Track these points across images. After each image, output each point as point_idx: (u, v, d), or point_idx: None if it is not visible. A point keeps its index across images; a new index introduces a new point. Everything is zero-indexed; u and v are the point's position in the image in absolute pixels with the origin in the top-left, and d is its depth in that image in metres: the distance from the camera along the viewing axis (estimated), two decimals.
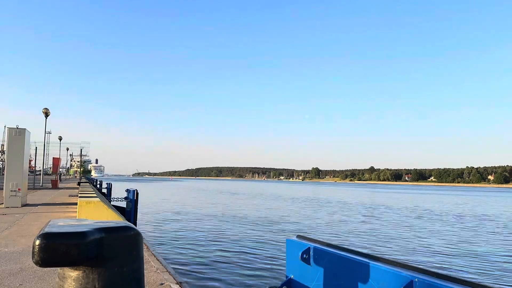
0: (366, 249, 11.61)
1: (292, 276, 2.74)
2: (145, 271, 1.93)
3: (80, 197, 7.28)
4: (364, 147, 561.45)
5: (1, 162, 79.27)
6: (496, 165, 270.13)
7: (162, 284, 4.34)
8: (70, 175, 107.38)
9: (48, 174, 64.63)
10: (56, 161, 42.91)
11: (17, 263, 5.10)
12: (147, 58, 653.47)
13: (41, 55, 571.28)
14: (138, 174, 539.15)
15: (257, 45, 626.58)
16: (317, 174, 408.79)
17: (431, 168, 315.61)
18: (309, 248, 2.56)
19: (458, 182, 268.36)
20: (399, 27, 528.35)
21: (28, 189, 17.51)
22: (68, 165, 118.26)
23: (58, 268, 1.16)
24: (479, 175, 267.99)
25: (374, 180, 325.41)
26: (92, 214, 5.91)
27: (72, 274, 1.13)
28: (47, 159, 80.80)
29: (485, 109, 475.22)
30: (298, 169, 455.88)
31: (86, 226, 1.15)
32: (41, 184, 30.51)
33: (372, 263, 2.07)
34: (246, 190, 64.81)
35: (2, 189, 12.94)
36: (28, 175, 16.54)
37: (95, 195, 8.38)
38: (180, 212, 22.27)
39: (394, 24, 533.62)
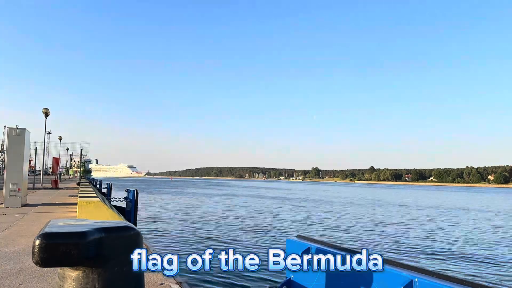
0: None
1: (292, 276, 2.74)
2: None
3: (80, 197, 7.27)
4: (364, 147, 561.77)
5: (1, 162, 79.25)
6: (496, 165, 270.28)
7: (162, 284, 4.34)
8: (70, 175, 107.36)
9: (48, 174, 64.61)
10: (56, 161, 42.89)
11: (17, 263, 5.10)
12: (146, 58, 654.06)
13: (41, 55, 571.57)
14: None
15: (257, 45, 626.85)
16: (317, 174, 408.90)
17: (431, 168, 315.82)
18: (309, 248, 2.56)
19: (458, 182, 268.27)
20: (400, 28, 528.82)
21: (28, 189, 17.50)
22: (68, 165, 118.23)
23: (58, 268, 1.16)
24: (479, 175, 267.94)
25: (374, 180, 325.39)
26: (92, 214, 5.90)
27: (72, 274, 1.13)
28: (47, 159, 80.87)
29: (485, 109, 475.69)
30: (298, 169, 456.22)
31: (86, 226, 1.15)
32: (41, 184, 30.50)
33: None
34: None
35: (2, 189, 12.93)
36: (28, 175, 16.53)
37: (95, 195, 8.37)
38: (181, 212, 22.27)
39: (395, 25, 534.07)
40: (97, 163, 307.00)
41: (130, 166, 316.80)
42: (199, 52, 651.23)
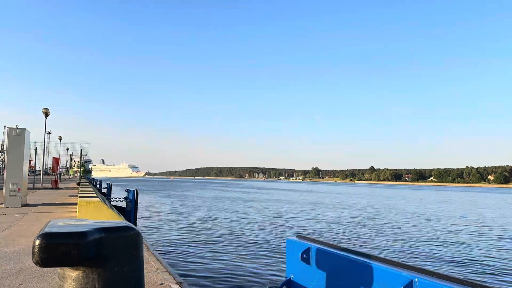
0: None
1: (292, 276, 2.74)
2: (145, 271, 1.92)
3: (80, 197, 7.27)
4: (364, 147, 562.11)
5: (1, 162, 79.27)
6: (496, 165, 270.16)
7: (162, 284, 4.33)
8: (70, 175, 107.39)
9: (48, 174, 64.63)
10: (56, 161, 42.88)
11: (17, 263, 5.09)
12: (145, 59, 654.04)
13: (41, 55, 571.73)
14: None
15: (258, 47, 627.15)
16: (317, 174, 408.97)
17: (431, 168, 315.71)
18: (309, 248, 2.56)
19: (458, 182, 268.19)
20: (401, 29, 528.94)
21: (28, 189, 17.49)
22: (68, 165, 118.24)
23: (58, 268, 1.16)
24: (479, 175, 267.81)
25: (374, 180, 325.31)
26: (92, 214, 5.90)
27: (72, 274, 1.13)
28: (47, 159, 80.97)
29: (485, 109, 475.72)
30: (298, 169, 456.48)
31: (86, 226, 1.15)
32: (41, 184, 30.49)
33: (372, 263, 2.07)
34: None
35: (2, 189, 12.92)
36: (28, 175, 16.52)
37: (95, 195, 8.38)
38: (181, 212, 22.26)
39: (396, 26, 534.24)
40: (103, 163, 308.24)
41: (131, 166, 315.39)
42: (199, 53, 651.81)
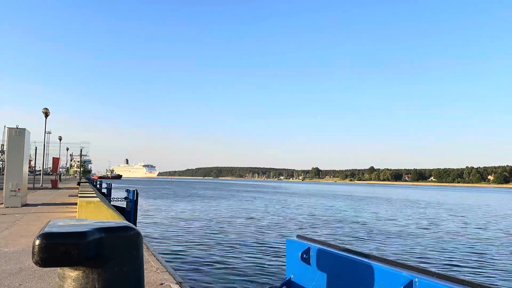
0: None
1: (292, 276, 2.74)
2: (145, 271, 1.92)
3: (80, 197, 7.27)
4: (364, 147, 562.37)
5: (1, 162, 79.28)
6: (496, 165, 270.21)
7: (162, 284, 4.33)
8: (70, 175, 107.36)
9: (48, 174, 64.60)
10: (56, 161, 42.84)
11: (17, 263, 5.09)
12: (145, 58, 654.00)
13: (41, 55, 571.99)
14: None
15: (259, 46, 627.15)
16: (317, 174, 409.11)
17: (431, 168, 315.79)
18: (309, 248, 2.56)
19: (458, 182, 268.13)
20: (400, 29, 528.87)
21: (28, 189, 17.48)
22: (68, 165, 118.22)
23: (58, 268, 1.16)
24: (479, 175, 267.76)
25: (374, 180, 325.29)
26: (92, 214, 5.90)
27: (72, 274, 1.13)
28: (47, 159, 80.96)
29: (485, 109, 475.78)
30: (298, 169, 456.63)
31: (86, 226, 1.15)
32: (41, 184, 30.49)
33: (372, 263, 2.07)
34: None
35: (2, 189, 12.92)
36: (28, 175, 16.52)
37: (95, 195, 8.37)
38: (181, 212, 22.24)
39: (395, 26, 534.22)
40: (127, 163, 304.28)
41: (146, 166, 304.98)
42: (200, 53, 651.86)
